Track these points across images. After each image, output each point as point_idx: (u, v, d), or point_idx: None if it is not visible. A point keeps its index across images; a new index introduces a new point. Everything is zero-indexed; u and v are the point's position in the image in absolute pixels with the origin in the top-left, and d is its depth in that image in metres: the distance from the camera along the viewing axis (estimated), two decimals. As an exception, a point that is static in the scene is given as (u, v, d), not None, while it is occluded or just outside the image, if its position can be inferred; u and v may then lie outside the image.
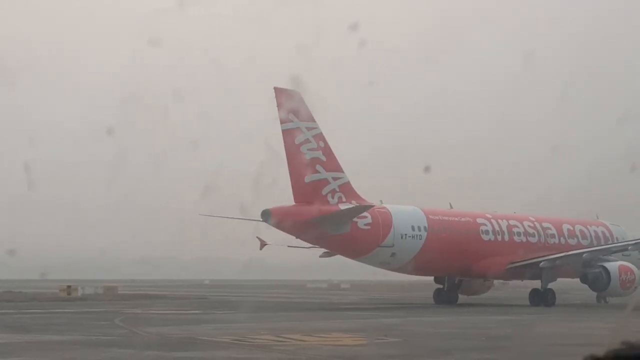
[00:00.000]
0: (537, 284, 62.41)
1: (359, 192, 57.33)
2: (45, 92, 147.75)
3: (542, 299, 59.72)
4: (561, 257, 60.58)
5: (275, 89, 54.69)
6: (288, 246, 64.34)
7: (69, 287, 76.20)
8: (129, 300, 66.58)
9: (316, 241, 58.40)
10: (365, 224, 56.05)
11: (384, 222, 56.93)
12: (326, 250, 63.14)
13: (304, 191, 54.80)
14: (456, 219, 61.43)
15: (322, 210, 54.62)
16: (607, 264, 60.43)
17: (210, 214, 58.98)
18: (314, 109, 55.31)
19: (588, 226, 68.04)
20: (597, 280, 60.36)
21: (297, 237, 56.61)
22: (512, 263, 61.27)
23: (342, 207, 55.29)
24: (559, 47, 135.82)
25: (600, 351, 2.99)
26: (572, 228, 66.77)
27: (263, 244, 63.93)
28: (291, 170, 54.79)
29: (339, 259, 65.46)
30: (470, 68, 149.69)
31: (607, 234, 68.26)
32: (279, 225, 54.80)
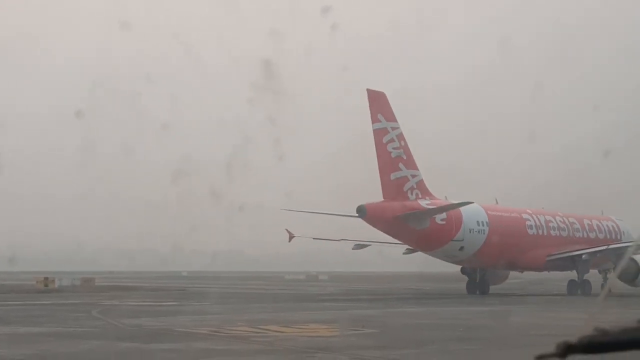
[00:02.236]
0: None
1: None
2: (12, 77, 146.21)
3: (579, 288, 64.10)
4: (603, 250, 64.55)
5: (368, 90, 59.38)
6: (313, 238, 70.33)
7: (46, 278, 75.89)
8: (106, 292, 66.35)
9: (399, 235, 62.01)
10: (441, 220, 60.43)
11: (456, 218, 60.98)
12: (358, 243, 69.40)
13: (390, 188, 59.31)
14: (507, 214, 65.56)
15: (408, 206, 59.15)
16: (635, 257, 62.56)
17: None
18: (287, 93, 55.73)
19: (601, 221, 72.79)
20: (629, 272, 62.40)
21: (385, 232, 60.92)
22: (551, 255, 65.74)
23: (421, 202, 59.84)
24: (534, 34, 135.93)
25: (573, 338, 3.02)
26: (590, 223, 71.35)
27: (291, 236, 68.06)
28: (380, 168, 59.38)
29: (319, 250, 66.28)
30: (444, 55, 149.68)
31: (617, 228, 73.13)
32: (372, 220, 59.24)
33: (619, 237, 71.97)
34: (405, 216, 58.70)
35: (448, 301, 56.07)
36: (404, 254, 69.15)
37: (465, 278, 68.14)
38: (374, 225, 60.01)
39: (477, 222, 62.38)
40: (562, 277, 75.01)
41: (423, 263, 68.85)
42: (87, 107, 45.38)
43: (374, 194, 60.25)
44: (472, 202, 61.27)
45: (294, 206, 64.16)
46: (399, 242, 66.00)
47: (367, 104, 59.65)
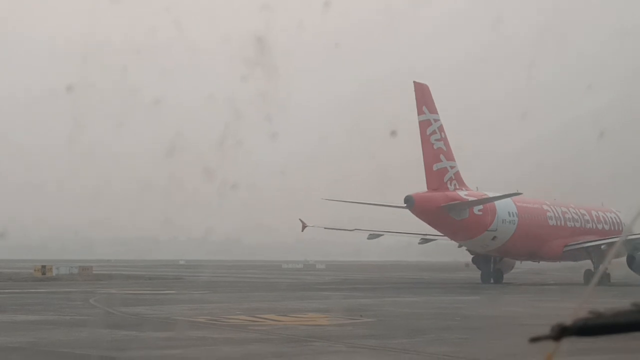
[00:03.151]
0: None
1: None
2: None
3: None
4: (622, 240, 64.70)
5: (414, 83, 61.46)
6: (325, 228, 72.12)
7: (43, 267, 75.87)
8: (104, 280, 66.42)
9: (440, 225, 63.27)
10: (478, 210, 62.16)
11: (491, 209, 62.77)
12: (372, 233, 70.67)
13: (433, 179, 61.36)
14: (531, 205, 67.02)
15: (450, 196, 61.06)
16: None
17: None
18: (279, 70, 55.44)
19: (606, 212, 74.65)
20: None
21: (427, 222, 62.56)
22: (568, 246, 67.39)
23: (460, 193, 61.77)
24: (526, 13, 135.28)
25: (568, 321, 3.04)
26: (597, 214, 73.24)
27: (304, 226, 69.62)
28: (425, 159, 61.35)
29: (316, 239, 66.53)
30: (436, 35, 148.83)
31: (618, 220, 74.75)
32: (418, 210, 60.79)
33: (620, 228, 73.45)
34: (449, 206, 60.42)
35: (447, 290, 56.10)
36: (419, 243, 71.30)
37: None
38: (419, 216, 61.55)
39: (509, 212, 63.95)
40: (559, 267, 75.59)
41: (424, 252, 69.29)
42: (75, 82, 44.58)
43: (372, 179, 60.62)
44: (521, 193, 62.65)
45: (289, 188, 65.30)
46: (411, 232, 68.21)
47: (358, 81, 60.84)
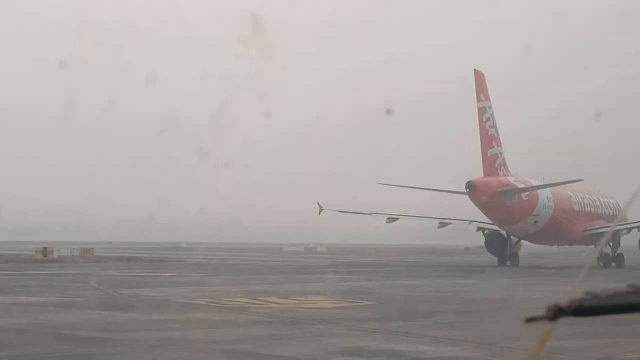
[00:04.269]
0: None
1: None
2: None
3: (614, 262, 65.62)
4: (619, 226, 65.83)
5: (475, 71, 63.65)
6: (339, 211, 71.75)
7: (44, 249, 75.91)
8: (105, 263, 66.49)
9: (492, 210, 63.93)
10: (525, 196, 63.91)
11: (533, 194, 64.59)
12: (390, 216, 70.21)
13: (488, 164, 63.47)
14: (559, 190, 67.70)
15: (503, 182, 62.97)
16: None
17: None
18: (273, 48, 55.28)
19: (609, 199, 75.66)
20: None
21: (482, 207, 62.99)
22: (587, 230, 68.52)
23: (510, 179, 63.86)
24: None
25: (564, 301, 3.04)
26: (604, 200, 74.58)
27: (321, 209, 69.82)
28: (481, 145, 63.57)
29: (315, 223, 66.45)
30: (431, 14, 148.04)
31: (618, 206, 75.30)
32: (478, 196, 61.63)
33: (619, 213, 73.82)
34: (503, 192, 62.13)
35: (448, 274, 56.13)
36: (438, 227, 71.47)
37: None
38: (477, 201, 62.31)
39: (547, 198, 65.50)
40: (560, 251, 75.73)
41: (426, 235, 69.37)
42: (68, 60, 44.25)
43: (368, 159, 60.66)
44: (582, 180, 63.00)
45: (284, 166, 65.73)
46: (431, 217, 70.16)
47: (353, 59, 61.06)
